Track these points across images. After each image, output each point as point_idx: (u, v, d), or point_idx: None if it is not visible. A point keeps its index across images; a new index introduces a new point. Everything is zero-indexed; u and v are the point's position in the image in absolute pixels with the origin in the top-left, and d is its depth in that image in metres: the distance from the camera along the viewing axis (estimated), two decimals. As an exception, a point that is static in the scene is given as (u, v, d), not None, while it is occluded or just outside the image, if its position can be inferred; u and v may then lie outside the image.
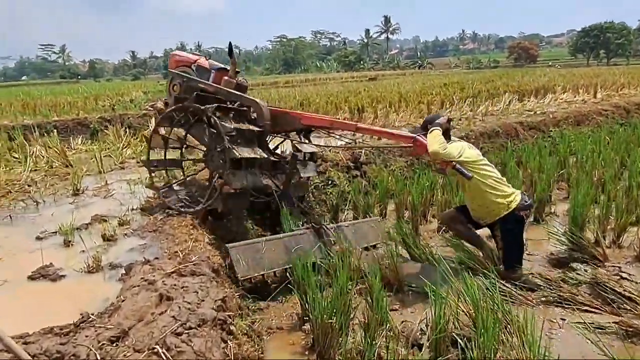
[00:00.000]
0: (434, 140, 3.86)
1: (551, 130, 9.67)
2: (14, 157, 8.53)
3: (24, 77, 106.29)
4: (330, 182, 6.39)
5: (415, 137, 4.08)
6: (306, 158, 5.21)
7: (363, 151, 7.01)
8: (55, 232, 4.34)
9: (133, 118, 12.25)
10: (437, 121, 4.09)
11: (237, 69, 5.13)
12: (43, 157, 8.52)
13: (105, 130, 10.78)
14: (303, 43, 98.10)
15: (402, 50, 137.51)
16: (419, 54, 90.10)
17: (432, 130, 3.95)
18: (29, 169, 7.45)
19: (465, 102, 12.65)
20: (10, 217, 4.98)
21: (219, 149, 4.26)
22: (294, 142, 5.23)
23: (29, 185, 6.50)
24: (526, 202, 4.03)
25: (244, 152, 4.16)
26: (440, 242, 5.00)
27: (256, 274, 3.92)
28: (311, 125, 4.69)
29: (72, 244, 4.04)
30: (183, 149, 5.06)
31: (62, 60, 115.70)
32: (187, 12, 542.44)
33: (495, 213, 3.98)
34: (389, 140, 4.32)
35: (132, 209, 4.95)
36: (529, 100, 13.42)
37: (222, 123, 4.14)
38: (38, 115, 12.43)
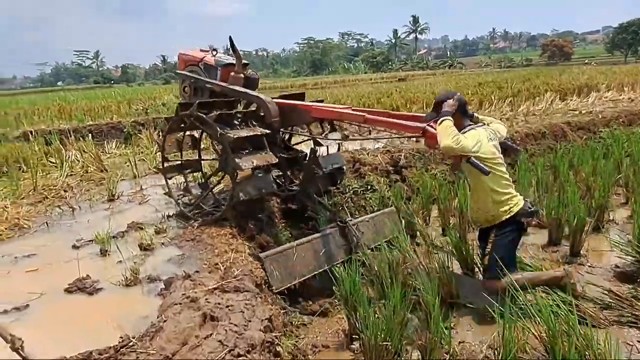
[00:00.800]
0: (445, 133, 3.24)
1: (601, 131, 9.12)
2: (51, 162, 8.59)
3: (59, 83, 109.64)
4: (369, 186, 6.11)
5: (424, 128, 3.50)
6: (329, 151, 5.01)
7: (402, 154, 6.71)
8: (92, 241, 4.21)
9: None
10: (445, 109, 3.39)
11: (245, 62, 4.92)
12: (78, 161, 8.55)
13: (139, 134, 10.78)
14: (330, 45, 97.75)
15: (431, 50, 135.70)
16: (448, 53, 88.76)
17: (442, 121, 3.32)
18: (65, 174, 7.45)
19: (504, 101, 12.14)
20: (47, 224, 4.90)
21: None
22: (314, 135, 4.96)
23: (65, 191, 6.47)
24: (529, 208, 3.57)
25: (248, 162, 3.96)
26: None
27: (289, 284, 3.81)
28: (321, 117, 4.40)
29: (108, 254, 3.90)
30: (200, 151, 4.93)
31: (96, 66, 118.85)
32: (215, 16, 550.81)
33: (496, 218, 3.56)
34: (398, 132, 3.80)
35: (168, 216, 4.79)
36: (571, 100, 12.80)
37: (224, 132, 3.95)
38: (73, 120, 12.58)
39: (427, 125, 3.51)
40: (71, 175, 7.56)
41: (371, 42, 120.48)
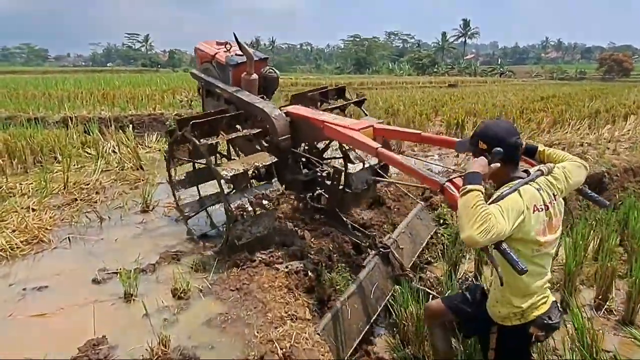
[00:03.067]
0: (467, 215, 1.90)
1: None
2: (87, 153, 8.03)
3: (109, 64, 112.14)
4: (441, 220, 5.19)
5: (442, 185, 2.37)
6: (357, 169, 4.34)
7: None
8: (116, 273, 3.47)
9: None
10: (475, 169, 2.03)
11: (263, 56, 4.39)
12: (115, 153, 7.97)
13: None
14: (376, 43, 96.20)
15: (478, 56, 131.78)
16: (499, 60, 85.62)
17: (466, 192, 1.96)
18: (100, 169, 6.84)
19: (582, 122, 10.84)
20: (69, 240, 4.21)
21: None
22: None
23: (96, 192, 5.83)
24: (550, 320, 2.23)
25: (244, 201, 3.42)
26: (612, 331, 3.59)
27: (352, 349, 3.23)
28: (332, 138, 3.69)
29: (133, 298, 3.13)
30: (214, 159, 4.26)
31: (145, 49, 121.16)
32: (265, 9, 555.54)
33: (503, 318, 2.29)
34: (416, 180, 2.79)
35: (210, 245, 4.00)
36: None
37: (218, 168, 3.42)
38: (116, 107, 12.09)
39: (448, 181, 2.37)
40: (107, 170, 6.96)
41: (418, 44, 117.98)
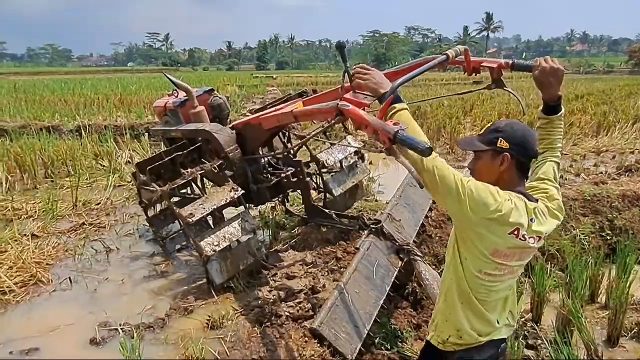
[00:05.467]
0: (415, 131, 1.62)
1: None
2: (100, 165, 7.62)
3: (130, 63, 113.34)
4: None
5: (337, 106, 2.21)
6: (343, 165, 4.34)
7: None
8: (117, 330, 2.95)
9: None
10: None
11: (207, 88, 4.58)
12: (130, 162, 7.55)
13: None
14: (396, 39, 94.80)
15: (501, 50, 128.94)
16: (523, 54, 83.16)
17: (396, 111, 1.67)
18: (112, 185, 6.41)
19: (630, 125, 9.96)
20: (70, 281, 3.72)
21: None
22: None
23: (107, 214, 5.38)
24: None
25: (213, 242, 3.26)
26: None
27: (361, 341, 2.84)
28: (271, 127, 3.54)
29: (137, 370, 2.60)
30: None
31: (165, 48, 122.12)
32: (283, 5, 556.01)
33: (438, 337, 1.88)
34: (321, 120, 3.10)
35: (227, 296, 3.44)
36: None
37: (179, 211, 3.36)
38: (132, 113, 11.69)
39: (341, 101, 2.22)
40: (119, 186, 6.52)
41: (438, 38, 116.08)
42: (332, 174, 4.40)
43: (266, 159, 4.18)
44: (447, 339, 1.82)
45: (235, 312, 3.13)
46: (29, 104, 13.69)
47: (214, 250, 3.23)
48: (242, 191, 3.53)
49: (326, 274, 3.67)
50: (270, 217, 4.91)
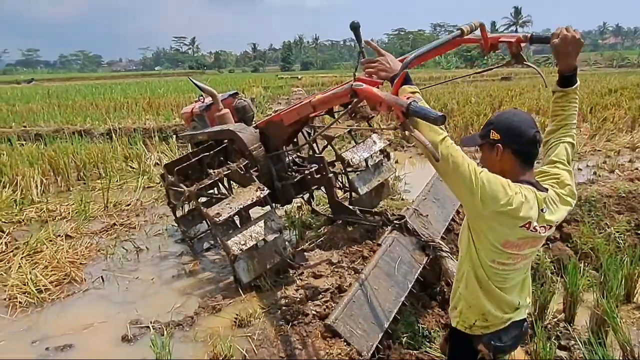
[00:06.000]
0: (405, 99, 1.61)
1: None
2: (130, 167, 7.80)
3: (157, 67, 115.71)
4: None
5: (351, 87, 2.18)
6: (368, 164, 4.37)
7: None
8: (148, 328, 3.01)
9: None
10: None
11: (233, 92, 4.78)
12: (159, 164, 7.70)
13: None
14: (422, 36, 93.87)
15: (530, 45, 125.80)
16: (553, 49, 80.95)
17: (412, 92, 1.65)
18: (141, 186, 6.54)
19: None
20: (103, 280, 3.81)
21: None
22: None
23: (137, 215, 5.49)
24: (499, 342, 1.85)
25: (240, 241, 3.27)
26: None
27: (379, 338, 2.79)
28: (292, 121, 3.53)
29: (167, 366, 2.64)
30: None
31: (192, 52, 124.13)
32: (306, 6, 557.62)
33: (452, 314, 1.97)
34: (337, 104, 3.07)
35: (254, 296, 3.47)
36: None
37: (206, 211, 3.38)
38: (160, 116, 11.92)
39: (354, 82, 2.17)
40: (148, 187, 6.65)
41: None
42: (358, 172, 4.41)
43: (290, 157, 4.21)
44: (474, 323, 1.84)
45: (263, 310, 3.14)
46: (61, 108, 14.12)
47: (241, 249, 3.24)
48: (268, 191, 3.54)
49: (352, 273, 3.65)
50: (297, 216, 4.93)
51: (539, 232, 1.66)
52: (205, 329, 3.01)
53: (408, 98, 1.57)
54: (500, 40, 2.25)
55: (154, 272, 3.96)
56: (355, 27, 2.20)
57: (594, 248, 4.55)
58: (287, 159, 4.16)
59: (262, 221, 3.45)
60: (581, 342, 3.29)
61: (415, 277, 3.30)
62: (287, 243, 3.70)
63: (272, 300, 3.27)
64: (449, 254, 3.43)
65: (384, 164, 4.48)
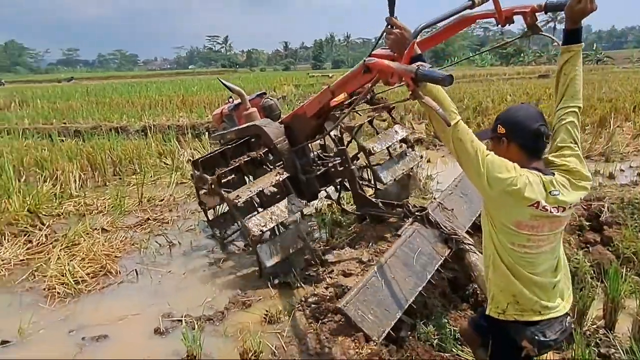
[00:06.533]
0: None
1: None
2: (164, 164, 7.96)
3: (191, 66, 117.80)
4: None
5: (364, 63, 2.14)
6: (391, 153, 4.45)
7: (606, 205, 4.73)
8: (180, 321, 3.05)
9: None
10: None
11: (260, 92, 4.98)
12: (191, 160, 7.83)
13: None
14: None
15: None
16: (594, 45, 78.19)
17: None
18: (174, 182, 6.66)
19: None
20: (137, 273, 3.89)
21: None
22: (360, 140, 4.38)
23: (170, 210, 5.60)
24: (544, 337, 1.83)
25: (259, 222, 3.37)
26: None
27: (392, 324, 2.76)
28: (314, 111, 3.61)
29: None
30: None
31: (225, 50, 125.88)
32: (336, 6, 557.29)
33: (488, 299, 1.98)
34: (356, 86, 3.02)
35: (284, 283, 3.48)
36: None
37: (227, 195, 3.50)
38: (194, 113, 12.12)
39: (367, 58, 2.15)
40: (181, 183, 6.76)
41: (500, 32, 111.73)
42: (382, 163, 4.45)
43: (315, 153, 4.32)
44: (507, 306, 1.85)
45: (292, 308, 3.15)
46: (99, 106, 14.56)
47: (261, 231, 3.30)
48: (287, 174, 3.63)
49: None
50: (327, 214, 4.91)
51: (552, 212, 1.69)
52: (235, 324, 3.03)
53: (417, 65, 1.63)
54: (515, 12, 2.27)
55: (185, 266, 4.02)
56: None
57: (636, 252, 4.35)
58: (312, 154, 4.23)
59: (282, 203, 3.53)
60: (623, 350, 3.14)
61: (435, 268, 3.26)
62: (310, 229, 3.78)
63: (301, 298, 3.26)
64: (472, 247, 3.35)
65: (408, 154, 4.48)
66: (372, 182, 4.41)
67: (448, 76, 1.51)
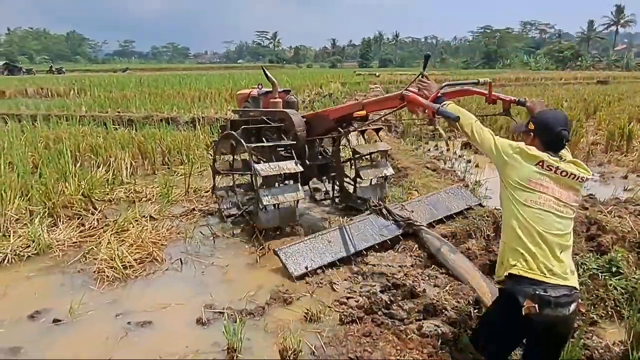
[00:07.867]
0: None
1: None
2: (211, 155, 8.09)
3: (240, 60, 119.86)
4: (613, 268, 4.05)
5: (401, 93, 3.27)
6: (374, 158, 5.18)
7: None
8: (222, 313, 3.08)
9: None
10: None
11: (287, 89, 5.70)
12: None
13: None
14: (510, 34, 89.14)
15: (632, 46, 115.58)
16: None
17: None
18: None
19: None
20: (181, 262, 3.97)
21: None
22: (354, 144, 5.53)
23: (214, 202, 5.67)
24: (545, 293, 2.05)
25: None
26: None
27: (311, 268, 3.64)
28: (337, 118, 4.43)
29: (237, 355, 2.68)
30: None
31: (273, 46, 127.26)
32: (384, 5, 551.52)
33: (497, 267, 2.37)
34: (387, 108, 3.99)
35: (330, 284, 3.46)
36: None
37: (257, 167, 4.15)
38: (241, 107, 12.29)
39: (405, 90, 3.25)
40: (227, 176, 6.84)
41: (558, 34, 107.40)
42: (364, 165, 5.28)
43: (320, 148, 5.25)
44: (516, 263, 2.14)
45: (331, 309, 3.12)
46: (152, 97, 15.00)
47: (269, 202, 4.08)
48: (302, 169, 4.28)
49: (427, 278, 3.53)
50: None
51: (557, 173, 2.15)
52: (276, 320, 3.03)
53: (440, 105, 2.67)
54: (499, 98, 3.25)
55: (228, 258, 4.06)
56: (426, 57, 3.27)
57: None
58: (319, 148, 5.20)
59: (289, 190, 4.28)
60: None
61: (370, 244, 4.00)
62: (298, 210, 4.53)
63: (342, 299, 3.23)
64: (425, 229, 4.08)
65: (384, 163, 5.16)
66: (353, 181, 5.27)
67: (456, 117, 2.49)
